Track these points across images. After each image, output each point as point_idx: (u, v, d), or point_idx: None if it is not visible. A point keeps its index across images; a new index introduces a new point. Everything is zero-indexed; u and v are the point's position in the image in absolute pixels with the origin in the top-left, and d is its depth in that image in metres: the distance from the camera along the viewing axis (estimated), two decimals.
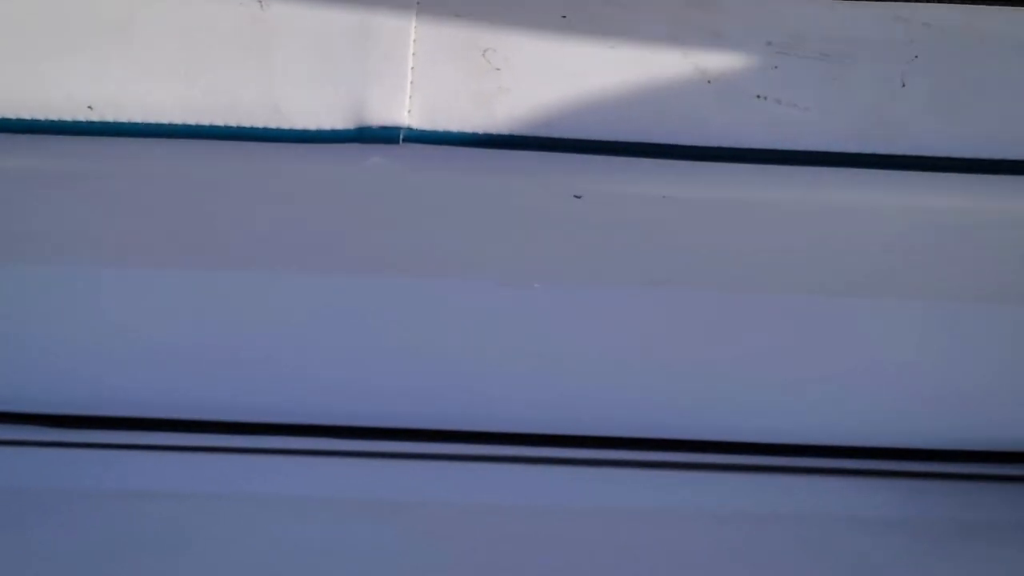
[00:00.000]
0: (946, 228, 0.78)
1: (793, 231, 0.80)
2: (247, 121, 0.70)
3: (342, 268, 0.85)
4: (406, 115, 0.70)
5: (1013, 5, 0.75)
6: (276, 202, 0.77)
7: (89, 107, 0.70)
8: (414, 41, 0.72)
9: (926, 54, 0.73)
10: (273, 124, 0.70)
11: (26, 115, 0.70)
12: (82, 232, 0.82)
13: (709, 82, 0.72)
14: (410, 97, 0.71)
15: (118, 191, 0.76)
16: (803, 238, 0.81)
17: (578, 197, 0.75)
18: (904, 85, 0.72)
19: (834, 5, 0.76)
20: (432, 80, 0.71)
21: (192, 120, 0.70)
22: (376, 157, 0.72)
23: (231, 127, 0.70)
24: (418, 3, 0.73)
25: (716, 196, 0.75)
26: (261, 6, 0.72)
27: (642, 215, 0.78)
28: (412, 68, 0.71)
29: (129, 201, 0.77)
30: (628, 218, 0.78)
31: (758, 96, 0.71)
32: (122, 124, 0.70)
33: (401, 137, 0.70)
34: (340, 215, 0.77)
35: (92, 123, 0.70)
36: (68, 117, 0.70)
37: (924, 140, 0.71)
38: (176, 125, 0.70)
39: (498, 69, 0.72)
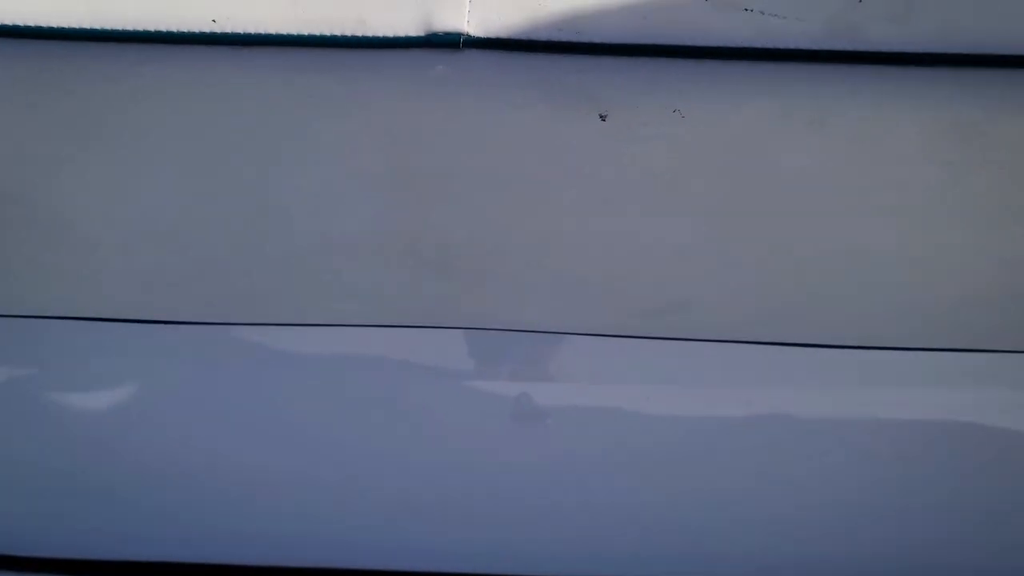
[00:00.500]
0: (912, 126, 0.94)
1: (783, 145, 0.96)
2: (339, 30, 0.88)
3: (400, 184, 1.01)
4: (466, 25, 0.88)
5: None
6: (360, 105, 0.94)
7: (213, 20, 0.87)
8: None
9: None
10: (360, 32, 0.88)
11: (163, 28, 0.87)
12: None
13: (706, 0, 0.90)
14: (469, 11, 0.89)
15: (231, 98, 0.93)
16: (794, 154, 0.97)
17: (603, 118, 0.93)
18: (861, 0, 0.90)
19: None
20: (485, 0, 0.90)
21: (294, 31, 0.88)
22: (440, 65, 0.90)
23: (325, 36, 0.88)
24: None
25: (719, 108, 0.92)
26: None
27: (659, 131, 0.95)
28: None
29: (237, 108, 0.94)
30: (648, 135, 0.95)
31: (746, 9, 0.89)
32: (239, 34, 0.88)
33: (461, 42, 0.88)
34: (411, 114, 0.94)
35: (215, 34, 0.88)
36: (196, 29, 0.87)
37: (879, 40, 0.89)
38: (282, 35, 0.88)
39: None
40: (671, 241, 1.08)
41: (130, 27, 0.87)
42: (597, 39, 0.88)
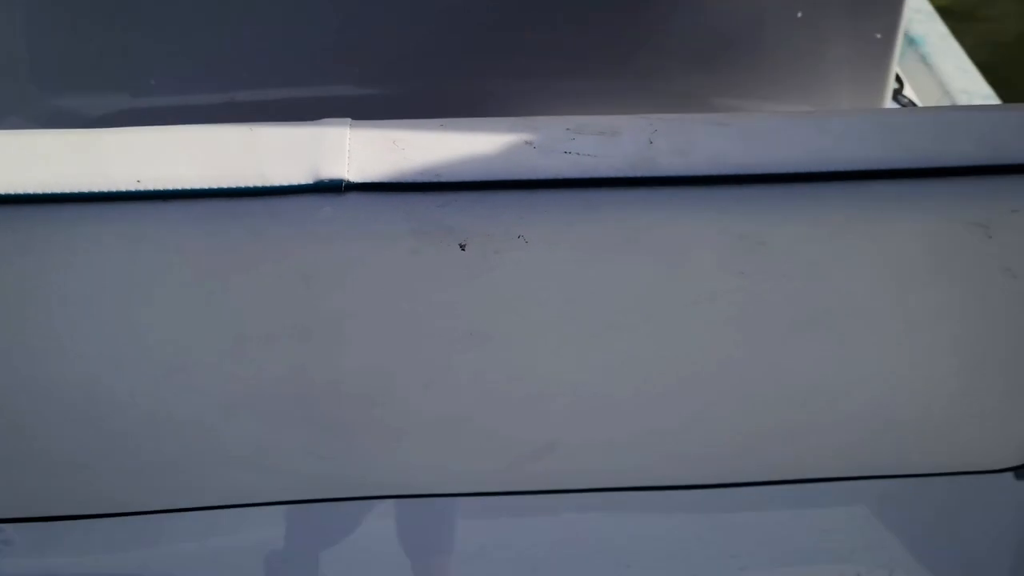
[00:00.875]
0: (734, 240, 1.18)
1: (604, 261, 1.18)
2: (242, 182, 1.08)
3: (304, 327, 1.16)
4: (346, 172, 1.10)
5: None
6: (262, 248, 1.12)
7: (138, 180, 1.07)
8: (349, 139, 1.14)
9: (662, 129, 1.19)
10: (260, 183, 1.08)
11: (96, 189, 1.06)
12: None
13: (535, 148, 1.15)
14: (348, 161, 1.11)
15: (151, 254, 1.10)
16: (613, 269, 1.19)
17: (463, 248, 1.14)
18: (651, 143, 1.17)
19: (602, 117, 1.23)
20: (361, 155, 1.13)
21: (205, 185, 1.08)
22: (327, 207, 1.11)
23: (232, 187, 1.08)
24: (351, 125, 1.17)
25: (552, 232, 1.15)
26: (251, 131, 1.14)
27: (509, 257, 1.16)
28: (349, 151, 1.13)
29: (153, 265, 1.11)
30: (500, 262, 1.16)
31: (566, 152, 1.15)
32: (158, 191, 1.07)
33: (343, 186, 1.10)
34: (304, 254, 1.13)
35: (139, 191, 1.07)
36: (124, 188, 1.06)
37: (669, 168, 1.15)
38: (196, 189, 1.07)
39: (403, 150, 1.14)
40: (534, 372, 1.26)
41: (67, 190, 1.06)
42: (452, 179, 1.11)
